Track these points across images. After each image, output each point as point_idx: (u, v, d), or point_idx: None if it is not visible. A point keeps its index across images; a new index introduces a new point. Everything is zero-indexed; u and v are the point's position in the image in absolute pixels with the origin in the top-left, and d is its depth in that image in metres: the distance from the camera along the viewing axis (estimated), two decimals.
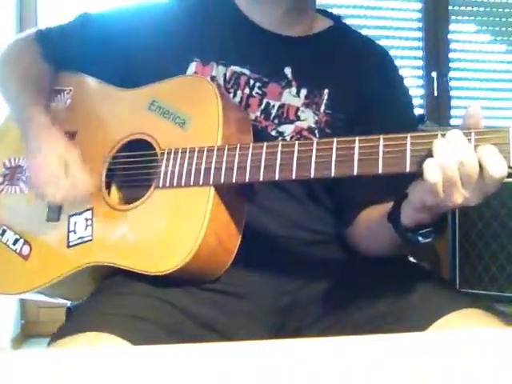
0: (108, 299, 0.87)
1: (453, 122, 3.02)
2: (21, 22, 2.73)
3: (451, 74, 3.08)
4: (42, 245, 1.02)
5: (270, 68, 1.06)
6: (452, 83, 3.07)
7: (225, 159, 0.89)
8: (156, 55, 1.05)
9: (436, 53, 3.05)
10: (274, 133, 1.04)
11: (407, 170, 0.77)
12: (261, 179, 0.86)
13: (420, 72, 3.08)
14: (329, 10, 1.19)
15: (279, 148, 0.86)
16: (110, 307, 0.85)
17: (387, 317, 0.86)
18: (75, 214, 1.00)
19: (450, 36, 3.08)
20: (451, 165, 0.73)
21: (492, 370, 0.54)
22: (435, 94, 3.04)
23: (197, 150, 0.91)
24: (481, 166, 0.73)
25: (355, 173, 0.80)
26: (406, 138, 0.77)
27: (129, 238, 0.93)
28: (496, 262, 1.73)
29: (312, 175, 0.83)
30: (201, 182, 0.90)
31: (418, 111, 2.85)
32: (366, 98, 1.06)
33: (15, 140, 1.10)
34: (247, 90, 1.05)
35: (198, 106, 0.95)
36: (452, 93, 3.07)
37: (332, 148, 0.82)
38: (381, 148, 0.78)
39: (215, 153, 0.90)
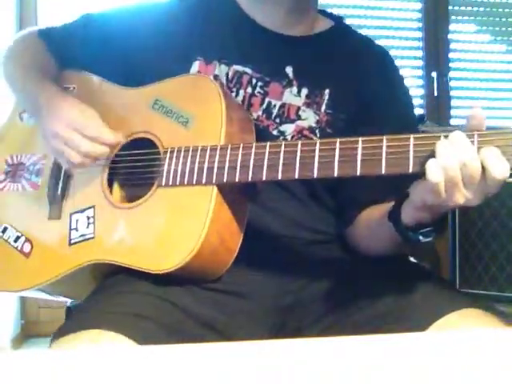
0: (109, 298, 0.87)
1: (453, 121, 3.03)
2: (21, 22, 2.73)
3: (451, 74, 3.08)
4: (44, 242, 1.02)
5: (271, 67, 1.06)
6: (452, 83, 3.07)
7: (228, 158, 0.89)
8: (159, 54, 1.06)
9: (436, 53, 3.05)
10: (275, 132, 1.04)
11: (410, 170, 0.77)
12: (264, 179, 0.86)
13: (420, 72, 3.08)
14: (329, 11, 1.19)
15: (282, 148, 0.86)
16: (112, 305, 0.85)
17: (387, 317, 0.86)
18: (77, 212, 1.00)
19: (450, 36, 3.08)
20: (453, 166, 0.73)
21: (492, 370, 0.54)
22: (435, 94, 3.04)
23: (200, 148, 0.91)
24: (483, 168, 0.73)
25: (358, 173, 0.80)
26: (409, 138, 0.78)
27: (131, 236, 0.93)
28: (496, 262, 1.73)
29: (315, 175, 0.83)
30: (203, 181, 0.90)
31: (418, 111, 2.84)
32: (366, 97, 1.07)
33: (18, 138, 1.10)
34: (249, 89, 1.05)
35: (202, 104, 0.95)
36: (452, 93, 3.07)
37: (335, 148, 0.82)
38: (384, 149, 0.78)
39: (218, 152, 0.90)
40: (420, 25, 3.08)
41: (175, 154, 0.93)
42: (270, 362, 0.57)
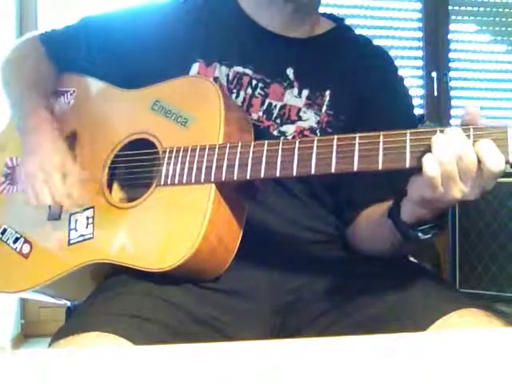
0: (108, 299, 0.87)
1: (453, 122, 3.03)
2: (21, 22, 2.74)
3: (451, 74, 3.08)
4: (43, 243, 1.02)
5: (272, 69, 1.06)
6: (452, 83, 3.07)
7: (226, 157, 0.89)
8: (159, 56, 1.06)
9: (436, 53, 3.05)
10: (276, 133, 1.04)
11: (407, 165, 0.77)
12: (262, 176, 0.87)
13: (420, 72, 3.08)
14: (329, 11, 1.20)
15: (280, 145, 0.86)
16: (111, 307, 0.85)
17: (387, 317, 0.86)
18: (76, 213, 1.00)
19: (450, 36, 3.09)
20: (449, 159, 0.74)
21: (492, 370, 0.54)
22: (435, 94, 3.04)
23: (198, 148, 0.92)
24: (479, 161, 0.74)
25: (355, 169, 0.80)
26: (406, 134, 0.78)
27: (130, 235, 0.94)
28: (496, 262, 1.73)
29: (313, 171, 0.83)
30: (202, 180, 0.90)
31: (418, 111, 2.85)
32: (367, 98, 1.07)
33: (17, 140, 1.10)
34: (250, 91, 1.06)
35: (201, 105, 0.96)
36: (452, 93, 3.07)
37: (332, 145, 0.82)
38: (381, 144, 0.79)
39: (216, 151, 0.90)
40: (420, 25, 3.08)
41: (174, 154, 0.94)
42: (270, 362, 0.57)
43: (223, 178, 0.89)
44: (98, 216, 0.98)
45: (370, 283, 0.93)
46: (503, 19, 3.11)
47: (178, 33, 1.08)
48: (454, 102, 3.07)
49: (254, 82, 1.06)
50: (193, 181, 0.91)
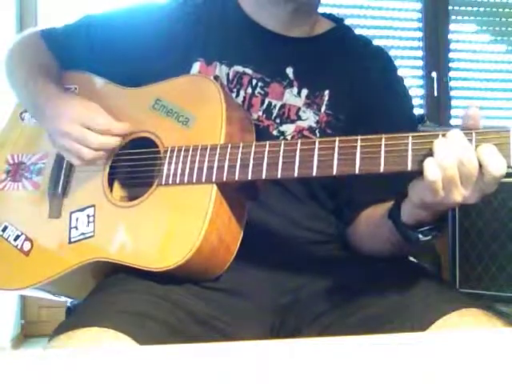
0: (109, 296, 0.87)
1: (453, 122, 3.03)
2: (21, 22, 2.74)
3: (451, 74, 3.08)
4: (43, 241, 1.03)
5: (272, 68, 1.07)
6: (452, 83, 3.07)
7: (227, 157, 0.89)
8: (160, 55, 1.06)
9: (436, 53, 3.05)
10: (275, 132, 1.04)
11: (409, 168, 0.77)
12: (263, 177, 0.87)
13: (420, 72, 3.08)
14: (329, 11, 1.20)
15: (282, 146, 0.86)
16: (111, 304, 0.85)
17: (387, 316, 0.86)
18: (77, 211, 1.00)
19: (450, 36, 3.09)
20: (451, 164, 0.74)
21: (492, 370, 0.54)
22: (435, 94, 3.04)
23: (200, 148, 0.92)
24: (480, 165, 0.73)
25: (357, 171, 0.80)
26: (408, 137, 0.78)
27: (130, 234, 0.94)
28: (496, 262, 1.73)
29: (314, 173, 0.83)
30: (203, 180, 0.90)
31: (418, 111, 2.85)
32: (366, 98, 1.07)
33: (19, 137, 1.10)
34: (250, 90, 1.06)
35: (202, 104, 0.96)
36: (452, 93, 3.07)
37: (334, 147, 0.82)
38: (382, 147, 0.79)
39: (218, 151, 0.90)
40: (420, 25, 3.08)
41: (175, 154, 0.94)
42: (270, 362, 0.57)
43: (224, 179, 0.89)
44: (99, 214, 0.98)
45: (370, 283, 0.93)
46: (503, 19, 3.11)
47: (178, 32, 1.08)
48: (453, 102, 3.07)
49: (254, 81, 1.06)
50: (194, 181, 0.91)
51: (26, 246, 1.03)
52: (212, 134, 0.92)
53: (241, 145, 0.89)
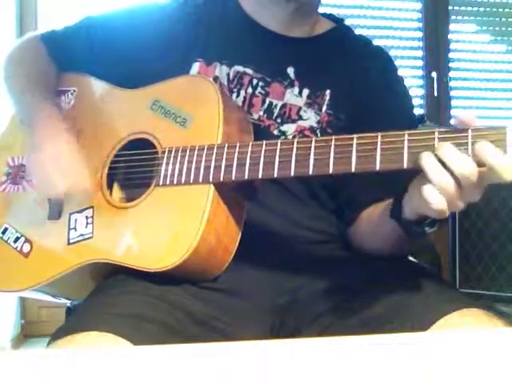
0: (107, 299, 0.87)
1: (453, 122, 3.02)
2: (21, 21, 2.74)
3: (451, 74, 3.08)
4: (43, 243, 1.02)
5: (272, 68, 1.07)
6: (452, 83, 3.07)
7: (224, 157, 0.89)
8: (160, 56, 1.06)
9: (436, 53, 3.06)
10: (276, 132, 1.04)
11: (405, 166, 0.77)
12: (260, 176, 0.87)
13: (420, 72, 3.08)
14: (329, 11, 1.20)
15: (278, 146, 0.86)
16: (110, 307, 0.84)
17: (388, 317, 0.86)
18: (76, 212, 1.00)
19: (450, 36, 3.09)
20: (451, 187, 0.73)
21: (492, 370, 0.54)
22: (435, 94, 3.04)
23: (197, 148, 0.92)
24: (479, 165, 0.73)
25: (353, 170, 0.80)
26: (404, 135, 0.78)
27: (129, 235, 0.94)
28: (496, 262, 1.73)
29: (310, 172, 0.83)
30: (200, 180, 0.90)
31: (418, 111, 2.85)
32: (366, 98, 1.07)
33: (19, 140, 1.10)
34: (250, 90, 1.06)
35: (199, 105, 0.96)
36: (452, 93, 3.07)
37: (330, 145, 0.82)
38: (378, 145, 0.79)
39: (215, 151, 0.90)
40: (420, 25, 3.08)
41: (173, 154, 0.94)
42: (270, 362, 0.57)
43: (221, 178, 0.89)
44: (98, 215, 0.98)
45: (370, 283, 0.92)
46: (503, 19, 3.11)
47: (178, 33, 1.08)
48: (453, 102, 3.07)
49: (255, 81, 1.06)
50: (191, 181, 0.91)
51: (26, 248, 1.03)
52: (209, 134, 0.92)
53: (237, 144, 0.89)
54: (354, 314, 0.89)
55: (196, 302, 0.90)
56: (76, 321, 0.85)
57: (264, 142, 0.88)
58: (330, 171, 0.81)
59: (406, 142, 0.77)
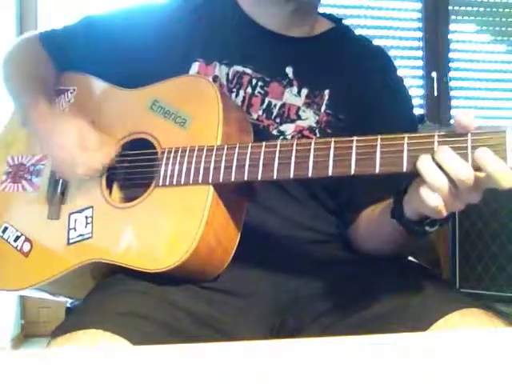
0: (107, 297, 0.87)
1: (453, 122, 3.02)
2: (21, 21, 2.74)
3: (451, 74, 3.08)
4: (43, 242, 1.03)
5: (271, 67, 1.07)
6: (452, 83, 3.07)
7: (224, 158, 0.89)
8: (159, 55, 1.06)
9: (436, 53, 3.06)
10: (275, 132, 1.04)
11: (404, 169, 0.77)
12: (259, 178, 0.87)
13: (420, 72, 3.08)
14: (329, 11, 1.20)
15: (278, 147, 0.86)
16: (109, 305, 0.85)
17: (388, 317, 0.85)
18: (75, 212, 1.00)
19: (450, 36, 3.09)
20: (445, 187, 0.73)
21: (492, 370, 0.54)
22: (435, 94, 3.04)
23: (196, 149, 0.92)
24: (477, 169, 0.72)
25: (352, 172, 0.80)
26: (404, 138, 0.78)
27: (128, 235, 0.94)
28: (496, 262, 1.73)
29: (310, 174, 0.83)
30: (200, 181, 0.90)
31: (418, 111, 2.85)
32: (366, 98, 1.07)
33: (18, 139, 1.10)
34: (249, 90, 1.06)
35: (199, 105, 0.96)
36: (452, 93, 3.07)
37: (330, 148, 0.82)
38: (378, 148, 0.78)
39: (214, 152, 0.90)
40: (420, 25, 3.08)
41: (172, 155, 0.94)
42: (269, 362, 0.57)
43: (221, 179, 0.89)
44: (97, 216, 0.98)
45: (371, 283, 0.92)
46: (503, 19, 3.11)
47: (178, 32, 1.08)
48: (453, 102, 3.07)
49: (254, 80, 1.06)
50: (191, 181, 0.91)
51: (26, 247, 1.03)
52: (209, 134, 0.92)
53: (237, 146, 0.89)
54: (353, 313, 0.89)
55: (196, 302, 0.90)
56: (75, 319, 0.85)
57: (264, 143, 0.88)
58: (330, 174, 0.81)
59: (405, 146, 0.77)
